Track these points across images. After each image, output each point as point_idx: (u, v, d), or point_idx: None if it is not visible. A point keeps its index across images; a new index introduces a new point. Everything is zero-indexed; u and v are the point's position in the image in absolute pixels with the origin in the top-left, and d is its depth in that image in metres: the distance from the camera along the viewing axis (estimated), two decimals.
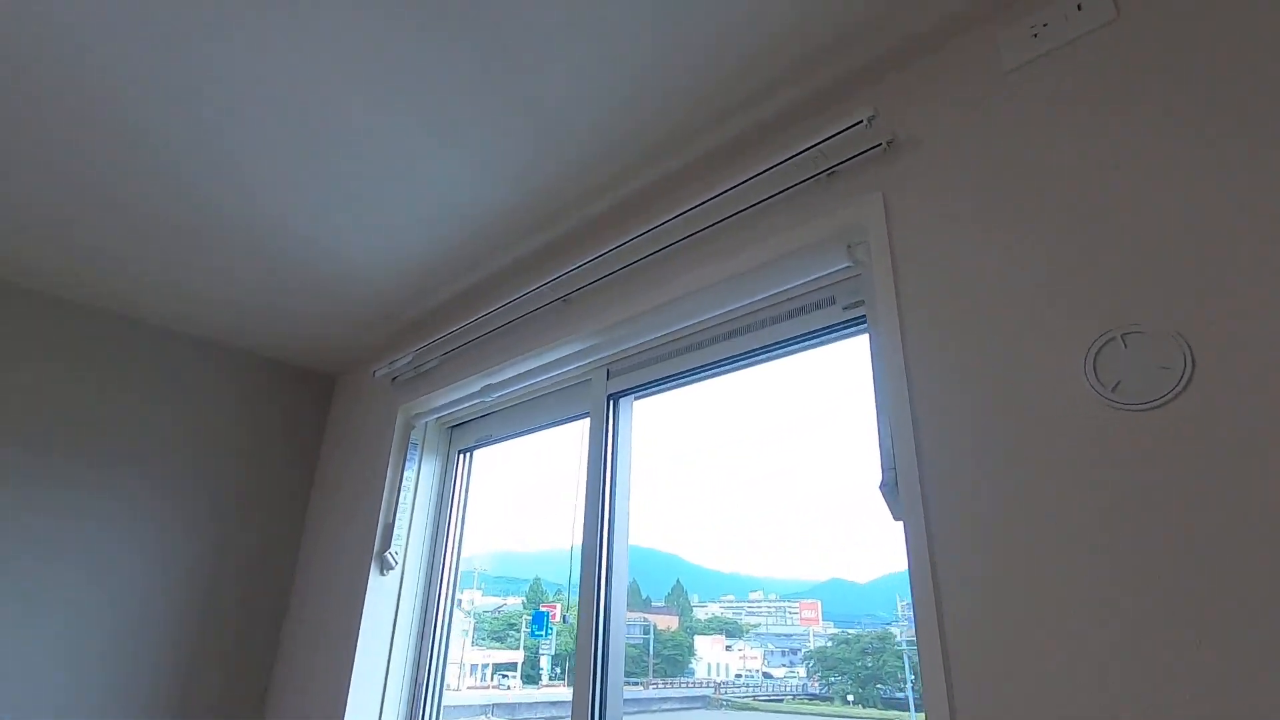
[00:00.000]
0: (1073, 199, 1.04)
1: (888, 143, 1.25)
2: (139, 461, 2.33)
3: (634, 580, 1.84)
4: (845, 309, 1.39)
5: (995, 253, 1.09)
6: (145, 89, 1.38)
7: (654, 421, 1.87)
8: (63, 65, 1.33)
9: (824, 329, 1.43)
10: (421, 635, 2.24)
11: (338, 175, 1.63)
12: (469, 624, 2.54)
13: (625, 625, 1.60)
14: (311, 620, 2.44)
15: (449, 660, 2.26)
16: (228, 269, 2.10)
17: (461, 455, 2.46)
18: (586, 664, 1.57)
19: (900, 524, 1.08)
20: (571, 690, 1.57)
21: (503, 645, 2.40)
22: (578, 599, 1.61)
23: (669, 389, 1.83)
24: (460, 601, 2.52)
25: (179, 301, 2.31)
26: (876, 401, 1.23)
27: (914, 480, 1.05)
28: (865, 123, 1.22)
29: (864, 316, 1.35)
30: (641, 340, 1.74)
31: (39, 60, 1.32)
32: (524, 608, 2.41)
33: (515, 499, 2.33)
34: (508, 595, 2.52)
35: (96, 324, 2.33)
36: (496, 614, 2.55)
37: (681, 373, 1.70)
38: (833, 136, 1.26)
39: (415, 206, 1.74)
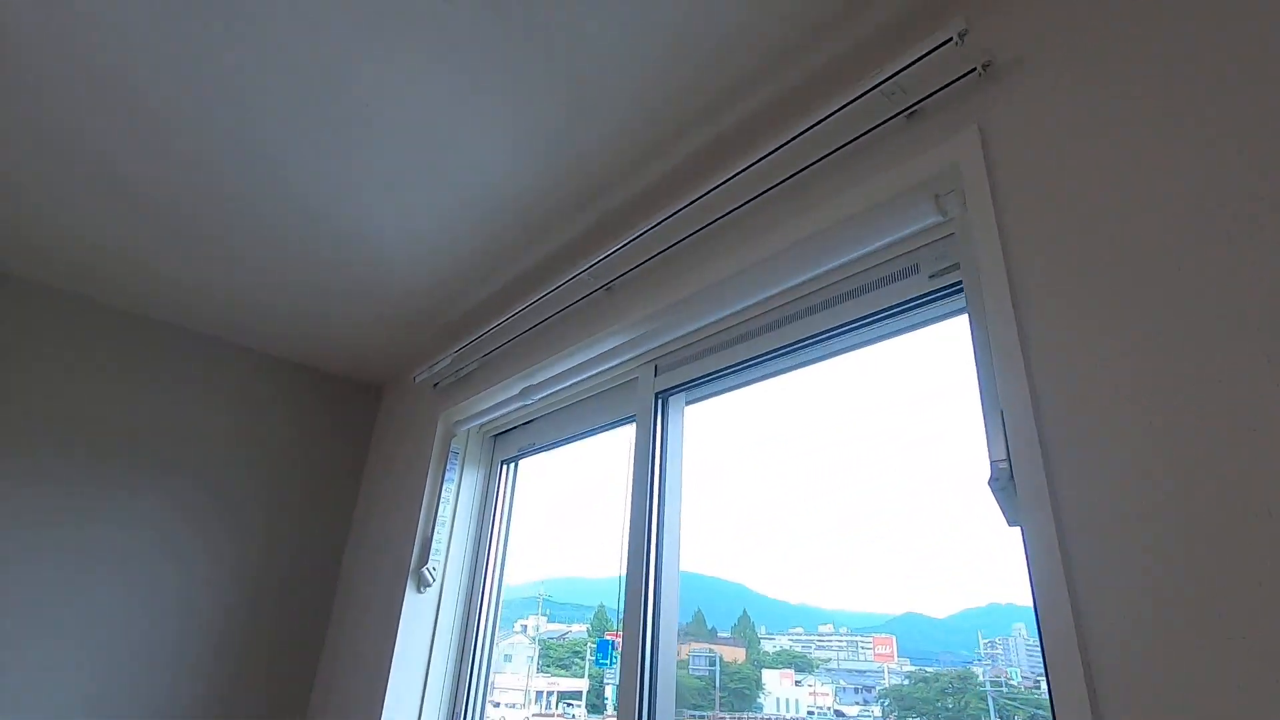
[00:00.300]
0: (1260, 107, 0.77)
1: (984, 66, 1.02)
2: (193, 470, 2.31)
3: (699, 610, 1.71)
4: (932, 277, 1.15)
5: (1134, 188, 0.84)
6: (193, 112, 1.31)
7: (709, 432, 1.68)
8: (131, 92, 1.27)
9: (905, 303, 1.19)
10: (460, 659, 2.08)
11: (371, 165, 1.54)
12: (534, 650, 2.42)
13: (675, 656, 1.44)
14: (349, 637, 2.33)
15: (510, 686, 2.14)
16: (271, 274, 2.05)
17: (505, 466, 2.31)
18: (631, 697, 1.39)
19: (1016, 529, 0.83)
20: None
21: (567, 673, 2.25)
22: (622, 627, 1.45)
23: (722, 389, 1.62)
24: (525, 627, 2.41)
25: (229, 310, 2.29)
26: (980, 381, 0.98)
27: (1037, 471, 0.80)
28: (955, 40, 1.00)
29: (958, 284, 1.11)
30: (691, 328, 1.54)
31: (87, 75, 1.26)
32: (589, 635, 2.28)
33: (567, 518, 2.20)
34: (572, 622, 2.38)
35: (151, 334, 2.34)
36: (561, 640, 2.43)
37: (736, 365, 1.49)
38: (915, 62, 1.04)
39: (449, 190, 1.62)
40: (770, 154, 1.24)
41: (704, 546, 1.56)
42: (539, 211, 1.70)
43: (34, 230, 1.93)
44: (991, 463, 0.90)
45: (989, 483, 0.89)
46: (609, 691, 2.00)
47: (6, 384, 2.08)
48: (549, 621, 2.42)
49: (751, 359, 1.46)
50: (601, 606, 2.14)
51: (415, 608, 2.08)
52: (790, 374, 1.49)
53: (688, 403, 1.71)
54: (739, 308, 1.44)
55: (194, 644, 2.21)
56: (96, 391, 2.21)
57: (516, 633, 2.45)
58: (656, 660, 1.42)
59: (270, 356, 2.61)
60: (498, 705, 2.18)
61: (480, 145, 1.48)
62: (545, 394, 1.96)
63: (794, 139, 1.20)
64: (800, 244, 1.28)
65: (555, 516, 2.19)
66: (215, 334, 2.47)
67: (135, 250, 1.99)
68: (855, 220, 1.20)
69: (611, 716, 1.93)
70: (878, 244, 1.18)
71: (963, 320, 1.13)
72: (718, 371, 1.54)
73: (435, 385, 2.39)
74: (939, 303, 1.17)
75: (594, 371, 1.80)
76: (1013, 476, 0.84)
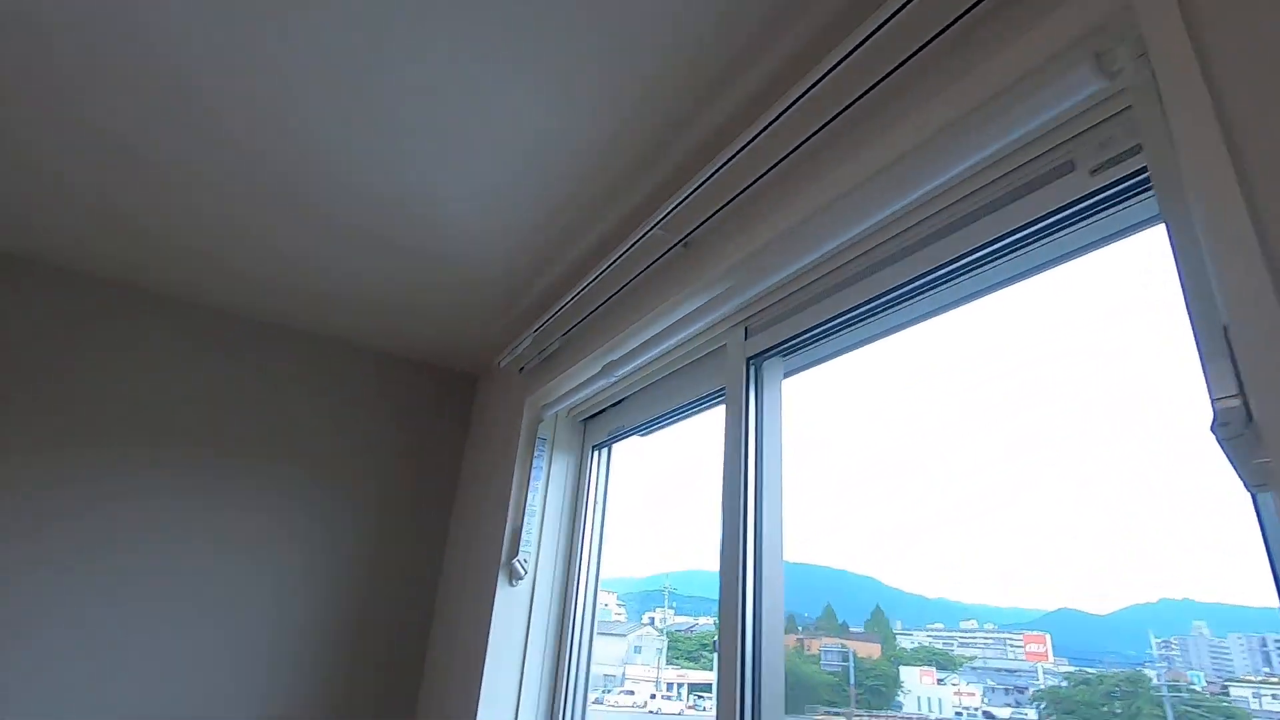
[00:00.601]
0: None
1: None
2: (306, 463, 2.36)
3: (829, 605, 1.65)
4: (1094, 172, 0.89)
5: None
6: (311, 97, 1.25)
7: (814, 404, 1.48)
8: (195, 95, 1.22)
9: (1057, 213, 0.93)
10: (558, 653, 2.00)
11: (435, 142, 1.46)
12: (662, 642, 2.44)
13: (781, 651, 1.32)
14: (449, 633, 2.29)
15: (641, 677, 2.17)
16: (358, 265, 2.05)
17: (596, 451, 2.18)
18: (731, 696, 1.27)
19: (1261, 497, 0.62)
20: None
21: (696, 665, 2.24)
22: (718, 621, 1.35)
23: (826, 355, 1.40)
24: (653, 619, 2.43)
25: (326, 307, 2.32)
26: (1186, 299, 0.74)
27: None
28: None
29: (1137, 176, 0.85)
30: (784, 275, 1.30)
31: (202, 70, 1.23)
32: (715, 628, 2.30)
33: (673, 508, 2.18)
34: (699, 615, 2.38)
35: (258, 332, 2.41)
36: (688, 633, 2.43)
37: (841, 316, 1.26)
38: None
39: (510, 161, 1.51)
40: (868, 39, 0.99)
41: (830, 538, 1.40)
42: (602, 172, 1.55)
43: (149, 242, 2.02)
44: (1214, 403, 0.65)
45: (1213, 429, 0.65)
46: None
47: (142, 388, 2.20)
48: (675, 614, 2.45)
49: (859, 308, 1.23)
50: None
51: (508, 601, 2.01)
52: (909, 329, 1.25)
53: (786, 374, 1.50)
54: (836, 245, 1.19)
55: (310, 633, 2.25)
56: (210, 391, 2.30)
57: (645, 625, 2.48)
58: (760, 656, 1.29)
59: (371, 350, 2.62)
60: (631, 693, 2.23)
61: (533, 109, 1.36)
62: (629, 369, 1.79)
63: (896, 14, 0.95)
64: (905, 159, 1.04)
65: (660, 505, 2.09)
66: (313, 331, 2.51)
67: (235, 260, 2.08)
68: (980, 110, 0.94)
69: None
70: (1009, 138, 0.92)
71: (1131, 235, 0.90)
72: (819, 327, 1.31)
73: (521, 370, 2.31)
74: (1105, 214, 0.90)
75: (677, 339, 1.61)
76: (1251, 416, 0.60)
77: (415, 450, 2.61)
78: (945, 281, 1.14)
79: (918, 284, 1.16)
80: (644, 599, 2.47)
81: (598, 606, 2.07)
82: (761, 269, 1.32)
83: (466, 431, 2.75)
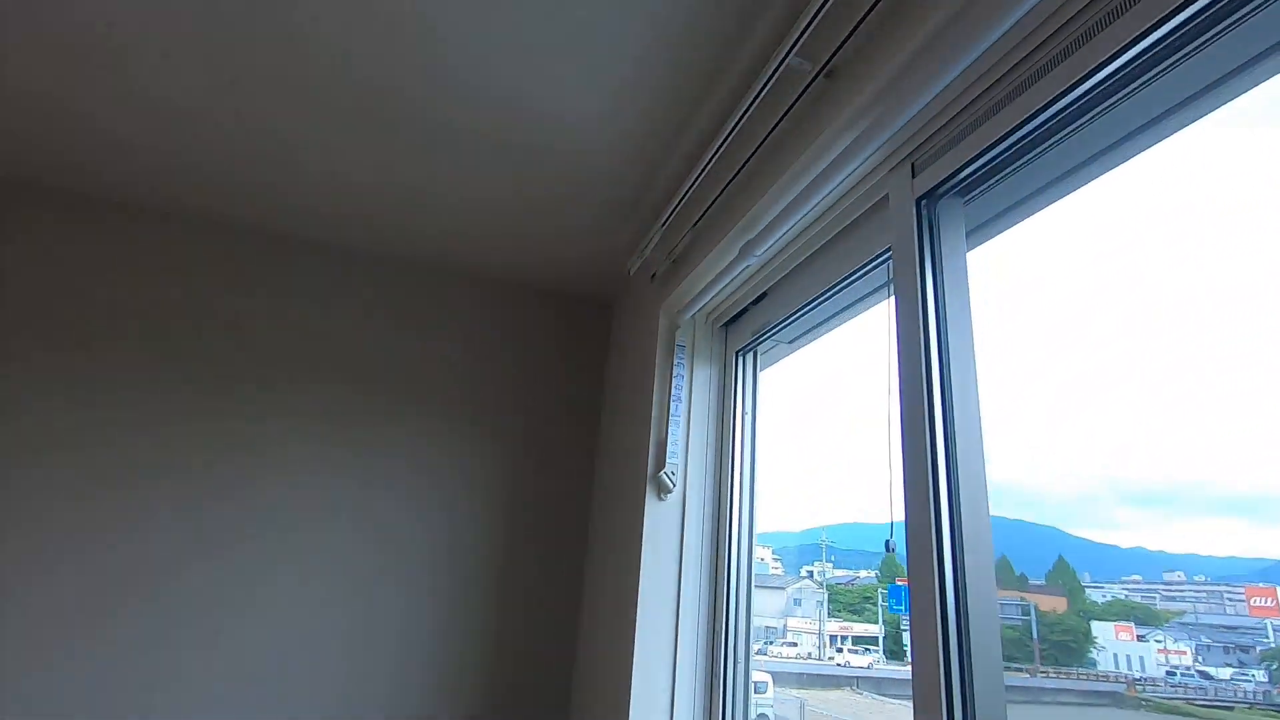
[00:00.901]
0: None
1: None
2: (445, 401, 2.38)
3: (1004, 555, 1.57)
4: None
5: None
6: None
7: (1004, 272, 1.12)
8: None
9: None
10: (714, 575, 1.88)
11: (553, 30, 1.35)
12: (822, 595, 2.47)
13: (995, 607, 1.07)
14: (600, 557, 2.24)
15: (802, 629, 2.20)
16: (483, 188, 1.99)
17: (740, 359, 2.01)
18: (932, 657, 1.07)
19: None
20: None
21: (859, 618, 2.24)
22: (908, 570, 1.15)
23: (1021, 197, 1.07)
24: (811, 573, 2.45)
25: (453, 244, 2.31)
26: None
27: None
28: None
29: None
30: (966, 62, 0.95)
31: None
32: (878, 581, 2.22)
33: (825, 452, 1.89)
34: (859, 569, 2.38)
35: (388, 273, 2.43)
36: (849, 585, 2.44)
37: (1032, 122, 0.92)
38: None
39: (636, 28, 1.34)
40: None
41: (1002, 477, 1.08)
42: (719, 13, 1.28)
43: (291, 187, 2.07)
44: None
45: None
46: (906, 638, 2.07)
47: (293, 332, 2.27)
48: (834, 568, 2.44)
49: (1061, 111, 0.87)
50: (890, 552, 2.22)
51: (658, 518, 1.90)
52: (1146, 153, 0.85)
53: (971, 233, 1.16)
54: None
55: (460, 565, 2.28)
56: (359, 337, 2.35)
57: (804, 578, 2.49)
58: (965, 607, 1.07)
59: (504, 284, 2.59)
60: (794, 645, 2.26)
61: None
62: (770, 245, 1.53)
63: None
64: None
65: (812, 449, 1.92)
66: (440, 266, 2.50)
67: (372, 200, 2.10)
68: None
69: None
70: None
71: None
72: (1008, 141, 0.96)
73: (653, 277, 2.17)
74: None
75: (824, 192, 1.32)
76: None
77: (555, 383, 2.56)
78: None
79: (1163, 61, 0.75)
80: (801, 553, 2.48)
81: (755, 524, 1.91)
82: (939, 58, 0.98)
83: (605, 358, 2.68)
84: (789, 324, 1.77)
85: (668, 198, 1.97)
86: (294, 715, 2.04)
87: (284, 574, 2.11)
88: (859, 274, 1.45)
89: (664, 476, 1.93)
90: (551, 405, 2.54)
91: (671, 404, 1.98)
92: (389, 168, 1.97)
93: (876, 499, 1.72)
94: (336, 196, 2.13)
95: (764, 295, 1.85)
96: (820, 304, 1.64)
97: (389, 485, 2.27)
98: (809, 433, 2.04)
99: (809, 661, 2.18)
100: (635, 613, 1.81)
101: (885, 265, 1.37)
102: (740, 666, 1.83)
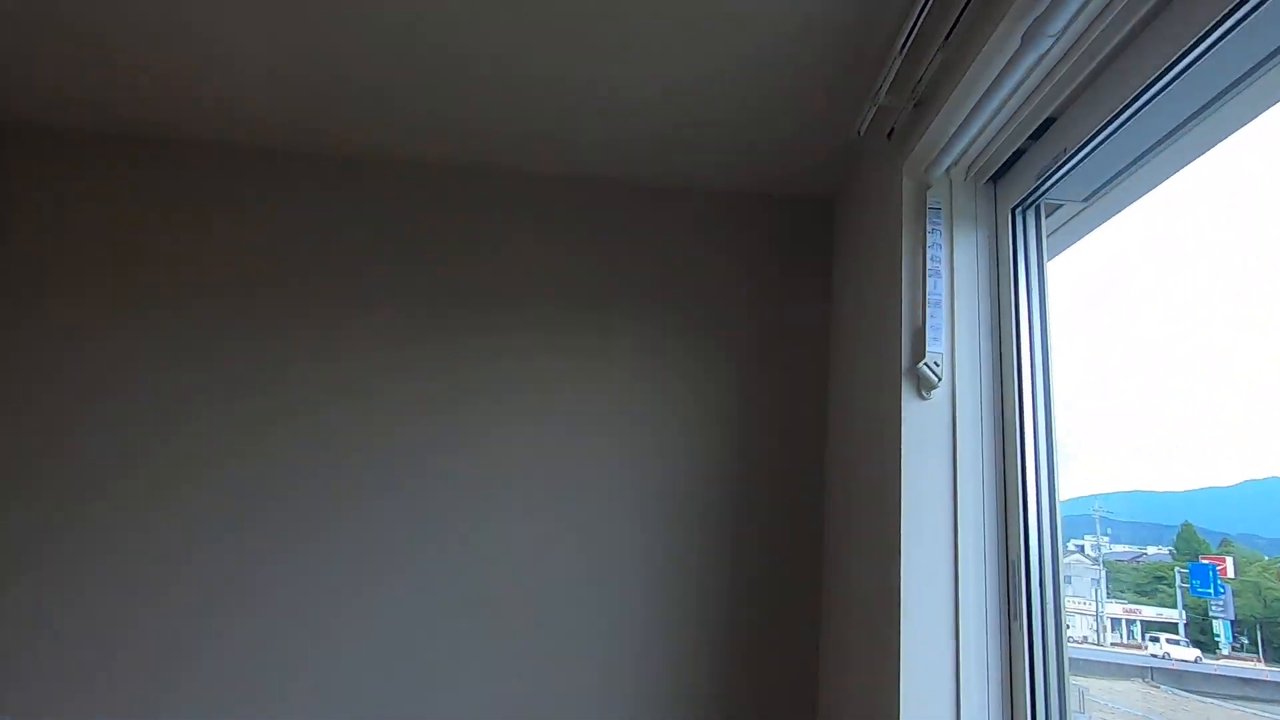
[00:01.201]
0: None
1: None
2: (658, 316, 2.26)
3: None
4: None
5: None
6: None
7: None
8: None
9: None
10: (1003, 491, 1.48)
11: None
12: (1098, 572, 2.22)
13: None
14: (847, 477, 1.93)
15: (1075, 610, 1.98)
16: (678, 75, 1.77)
17: (1018, 217, 1.56)
18: None
19: None
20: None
21: (1150, 601, 2.04)
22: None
23: None
24: (1083, 547, 2.23)
25: (659, 154, 2.16)
26: None
27: None
28: None
29: None
30: None
31: None
32: (1173, 559, 1.97)
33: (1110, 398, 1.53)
34: (1146, 544, 2.09)
35: (601, 193, 2.34)
36: (1135, 563, 2.18)
37: None
38: None
39: None
40: None
41: None
42: None
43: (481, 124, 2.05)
44: None
45: None
46: (1218, 627, 1.77)
47: (511, 259, 2.27)
48: (1111, 542, 2.12)
49: None
50: (1188, 524, 1.92)
51: (919, 419, 1.52)
52: None
53: None
54: None
55: (695, 493, 2.14)
56: (566, 259, 2.30)
57: (1074, 553, 2.29)
58: None
59: (719, 195, 2.39)
60: (1066, 627, 2.04)
61: None
62: (1071, 11, 1.03)
63: None
64: None
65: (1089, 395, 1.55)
66: (645, 182, 2.35)
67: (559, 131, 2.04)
68: None
69: (1229, 656, 1.70)
70: None
71: None
72: None
73: (889, 134, 1.75)
74: None
75: None
76: None
77: (777, 290, 2.34)
78: None
79: None
80: (1068, 525, 2.24)
81: (1054, 434, 1.46)
82: None
83: (831, 258, 2.36)
84: (1093, 149, 1.25)
85: (901, 20, 1.48)
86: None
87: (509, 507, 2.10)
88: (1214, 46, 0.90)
89: (924, 369, 1.54)
90: (775, 311, 2.32)
91: (929, 280, 1.57)
92: (567, 71, 1.81)
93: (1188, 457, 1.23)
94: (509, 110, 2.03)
95: (1050, 122, 1.35)
96: (1147, 106, 1.10)
97: (607, 388, 2.22)
98: (1109, 354, 1.64)
99: (1084, 646, 1.98)
100: (899, 534, 1.47)
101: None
102: (1051, 656, 1.45)
